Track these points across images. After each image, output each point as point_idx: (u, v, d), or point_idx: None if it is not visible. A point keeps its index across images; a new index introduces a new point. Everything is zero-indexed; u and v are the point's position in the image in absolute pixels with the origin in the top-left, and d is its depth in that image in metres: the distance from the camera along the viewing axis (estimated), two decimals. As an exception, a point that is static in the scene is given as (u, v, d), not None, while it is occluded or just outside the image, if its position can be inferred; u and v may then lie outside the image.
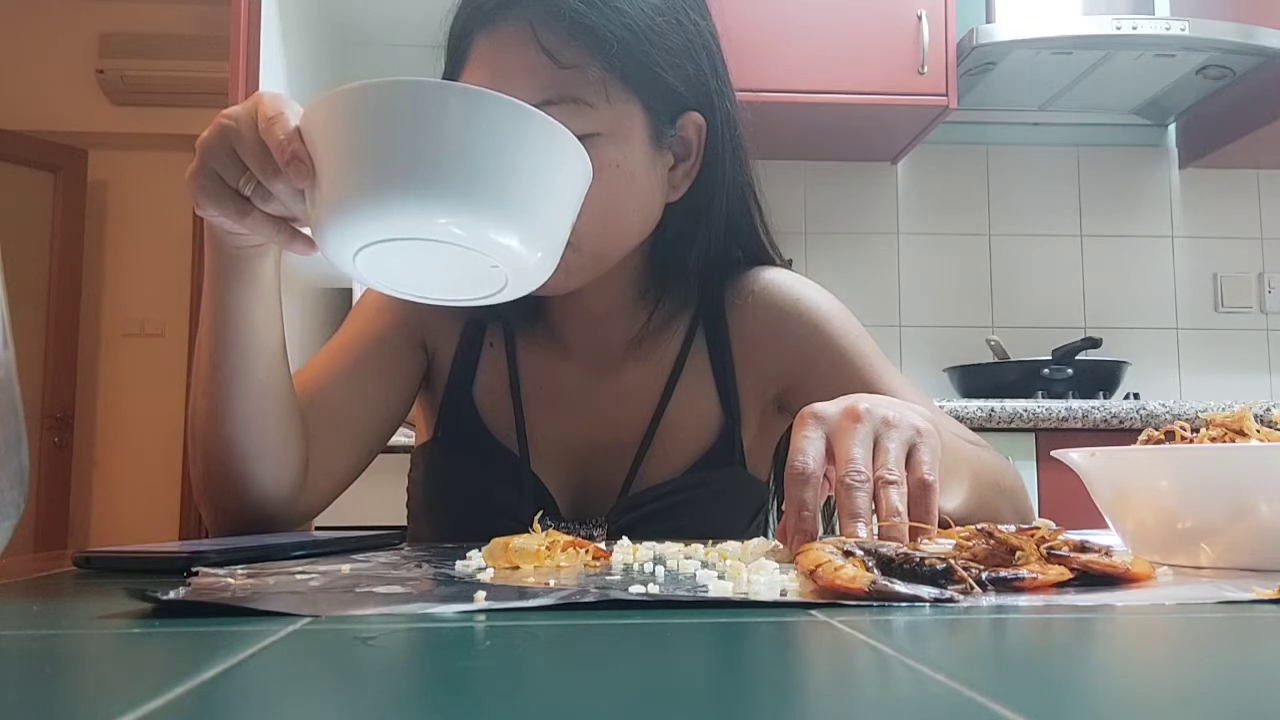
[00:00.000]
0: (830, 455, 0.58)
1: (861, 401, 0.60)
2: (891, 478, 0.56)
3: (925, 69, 2.27)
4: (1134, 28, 2.25)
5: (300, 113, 0.62)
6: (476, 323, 0.95)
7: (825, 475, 0.58)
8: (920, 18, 2.28)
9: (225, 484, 0.78)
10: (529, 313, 0.90)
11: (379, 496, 1.33)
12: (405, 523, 1.00)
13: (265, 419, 0.77)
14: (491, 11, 0.78)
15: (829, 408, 0.60)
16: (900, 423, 0.59)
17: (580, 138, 0.62)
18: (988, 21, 2.49)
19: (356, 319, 0.94)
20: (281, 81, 2.09)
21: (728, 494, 0.91)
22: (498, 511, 0.88)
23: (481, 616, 0.40)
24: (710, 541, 0.65)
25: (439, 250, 0.58)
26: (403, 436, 1.47)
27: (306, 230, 0.66)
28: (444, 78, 0.82)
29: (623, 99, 0.78)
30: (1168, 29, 2.26)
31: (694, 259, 0.87)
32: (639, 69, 0.78)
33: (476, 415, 0.92)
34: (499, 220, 0.57)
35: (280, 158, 0.60)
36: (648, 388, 0.91)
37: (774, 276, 0.93)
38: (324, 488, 0.87)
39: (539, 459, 0.90)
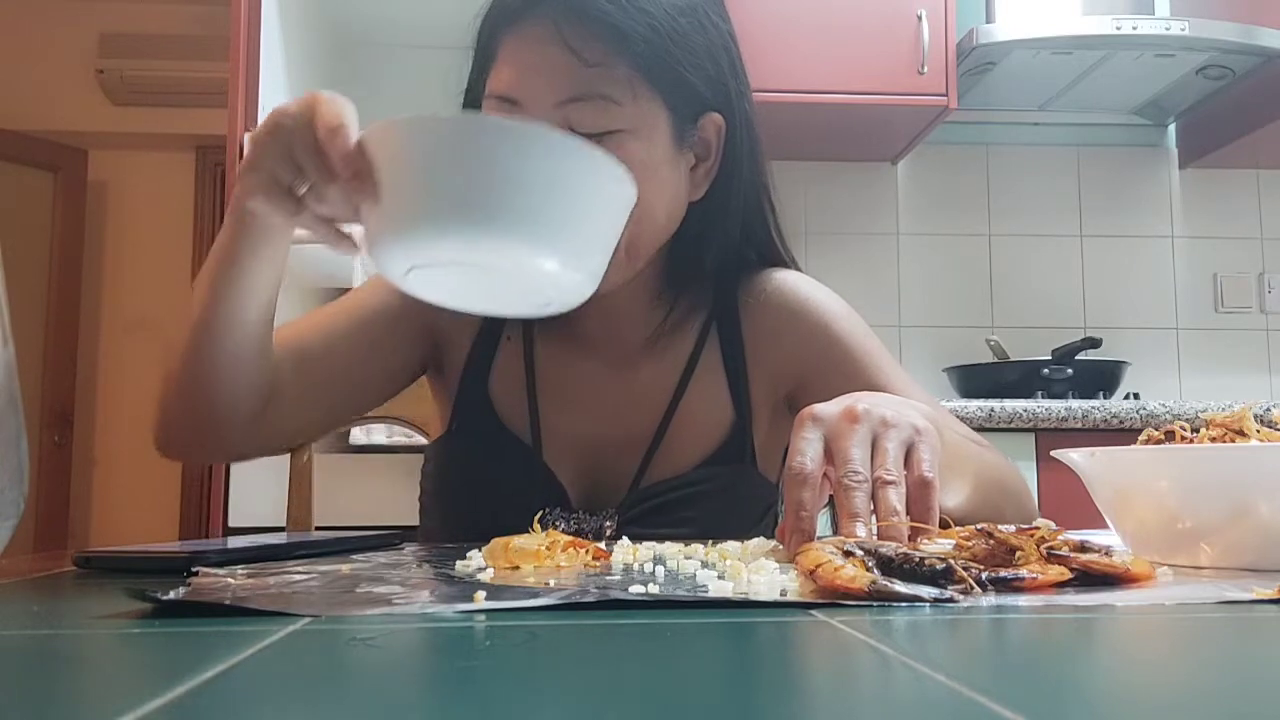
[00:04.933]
0: (829, 456, 0.58)
1: (860, 401, 0.60)
2: (890, 478, 0.56)
3: (925, 69, 2.27)
4: (1134, 28, 2.25)
5: (356, 121, 0.63)
6: (495, 317, 0.95)
7: (825, 475, 0.59)
8: (920, 18, 2.28)
9: (189, 400, 0.81)
10: None
11: (381, 496, 1.33)
12: (409, 522, 1.00)
13: (243, 346, 0.79)
14: (518, 11, 0.79)
15: (827, 408, 0.60)
16: (899, 422, 0.59)
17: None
18: (988, 21, 2.49)
19: (366, 288, 0.95)
20: (281, 81, 2.09)
21: (736, 490, 0.91)
22: (510, 503, 0.88)
23: (481, 616, 0.40)
24: (710, 541, 0.65)
25: (489, 270, 0.60)
26: (403, 438, 1.47)
27: (347, 229, 0.68)
28: (471, 77, 0.85)
29: (647, 97, 0.79)
30: (1168, 29, 2.26)
31: (710, 259, 0.89)
32: (663, 68, 0.79)
33: (491, 407, 0.93)
34: (550, 252, 0.59)
35: (344, 172, 0.61)
36: (661, 385, 0.92)
37: (785, 278, 0.95)
38: (283, 429, 0.89)
39: (552, 452, 0.91)
